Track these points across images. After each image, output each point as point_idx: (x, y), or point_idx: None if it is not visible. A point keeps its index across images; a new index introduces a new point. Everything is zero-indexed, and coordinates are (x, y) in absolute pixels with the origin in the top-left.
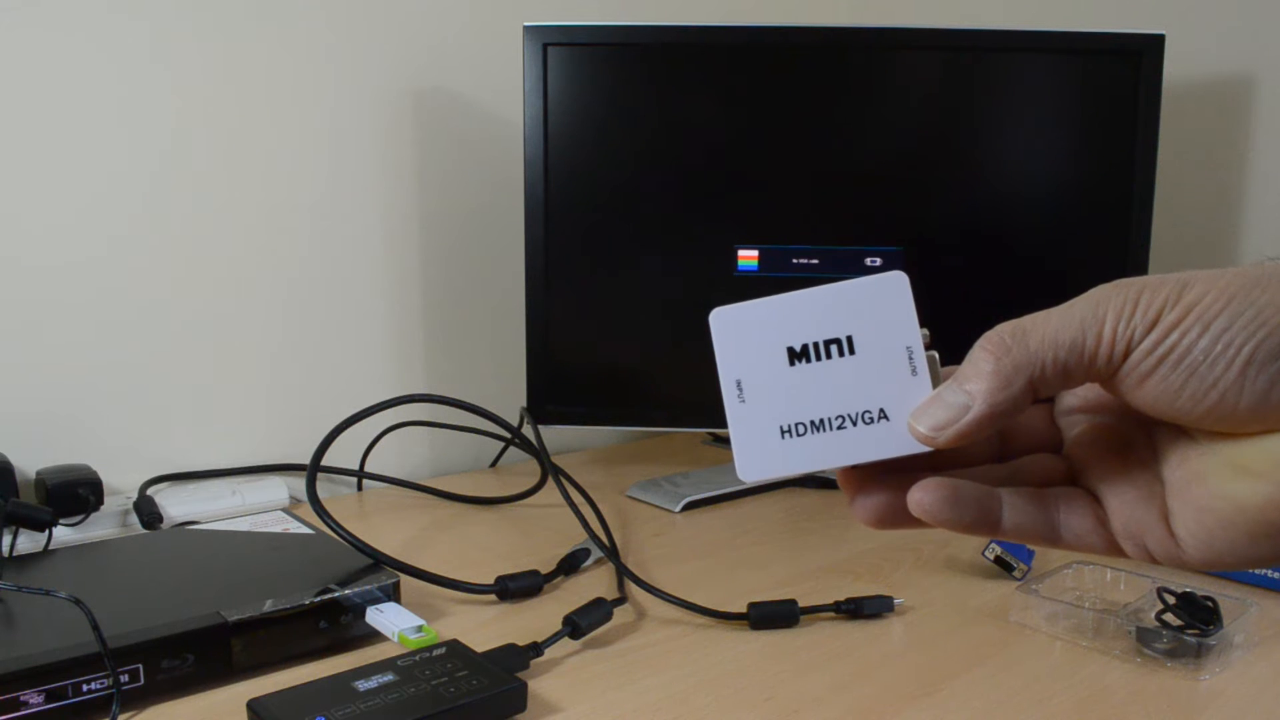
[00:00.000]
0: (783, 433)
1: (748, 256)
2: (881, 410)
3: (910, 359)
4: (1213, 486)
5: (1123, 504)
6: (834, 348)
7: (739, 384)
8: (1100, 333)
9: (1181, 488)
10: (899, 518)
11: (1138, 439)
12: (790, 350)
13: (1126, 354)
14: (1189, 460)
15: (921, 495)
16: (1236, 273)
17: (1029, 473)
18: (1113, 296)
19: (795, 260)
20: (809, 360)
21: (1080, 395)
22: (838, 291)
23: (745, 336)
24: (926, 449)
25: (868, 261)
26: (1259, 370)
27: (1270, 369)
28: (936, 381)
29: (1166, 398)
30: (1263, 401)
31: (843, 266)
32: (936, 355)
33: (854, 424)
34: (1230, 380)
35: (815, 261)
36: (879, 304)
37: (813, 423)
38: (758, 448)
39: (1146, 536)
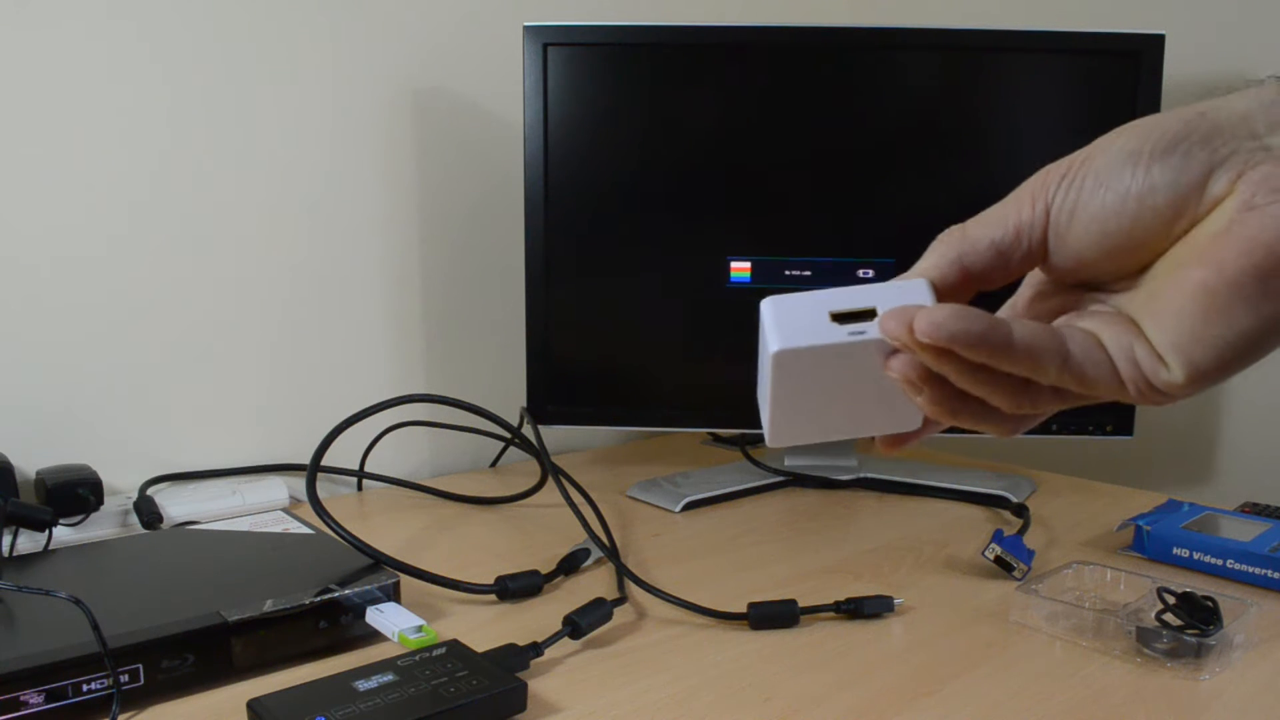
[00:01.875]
0: (832, 317)
1: (740, 269)
2: None
3: None
4: (1166, 292)
5: (1111, 335)
6: (866, 316)
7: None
8: (1021, 205)
9: (1144, 310)
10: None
11: (1101, 308)
12: (832, 314)
13: (1047, 213)
14: (1140, 291)
15: (929, 315)
16: (1135, 120)
17: None
18: (1029, 180)
19: (788, 272)
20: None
21: (1032, 300)
22: (870, 288)
23: (793, 310)
24: None
25: (860, 274)
26: (1161, 162)
27: (1171, 160)
28: None
29: (1097, 226)
30: (1174, 188)
31: (835, 279)
32: None
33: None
34: (1140, 181)
35: (808, 274)
36: (905, 294)
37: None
38: (800, 324)
39: (1137, 351)
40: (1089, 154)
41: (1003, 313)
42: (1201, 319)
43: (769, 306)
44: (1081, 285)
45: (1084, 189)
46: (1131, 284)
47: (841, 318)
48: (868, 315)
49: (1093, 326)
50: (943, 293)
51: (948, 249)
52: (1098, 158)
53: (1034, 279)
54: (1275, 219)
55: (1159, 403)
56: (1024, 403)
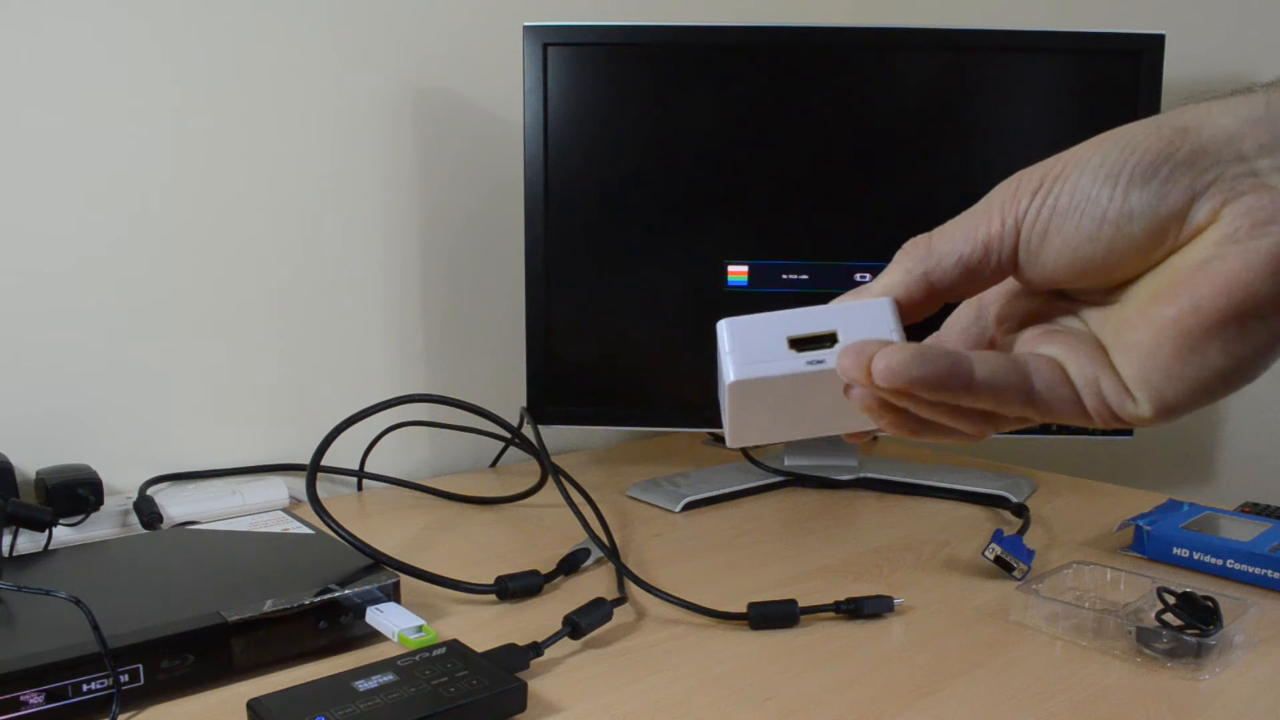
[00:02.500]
0: (791, 343)
1: (737, 272)
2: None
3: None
4: (1138, 326)
5: (1076, 365)
6: (825, 341)
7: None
8: (989, 218)
9: (1115, 340)
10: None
11: (1071, 324)
12: (790, 339)
13: (1017, 230)
14: (1113, 316)
15: (887, 358)
16: (1110, 131)
17: None
18: (999, 189)
19: (785, 276)
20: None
21: (1002, 300)
22: (831, 310)
23: (750, 333)
24: None
25: (857, 277)
26: (1141, 188)
27: (1151, 185)
28: None
29: (1069, 250)
30: (1153, 216)
31: (832, 282)
32: None
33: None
34: (1118, 206)
35: (805, 277)
36: (867, 317)
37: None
38: (757, 350)
39: (1103, 384)
40: (1063, 167)
41: (968, 310)
42: (1174, 357)
43: (726, 329)
44: (1054, 292)
45: (1056, 209)
46: (1105, 298)
47: (800, 343)
48: (828, 340)
49: (1059, 353)
50: (907, 308)
51: (913, 264)
52: (1072, 174)
53: (1005, 282)
54: (1257, 255)
55: (1123, 428)
56: (987, 429)
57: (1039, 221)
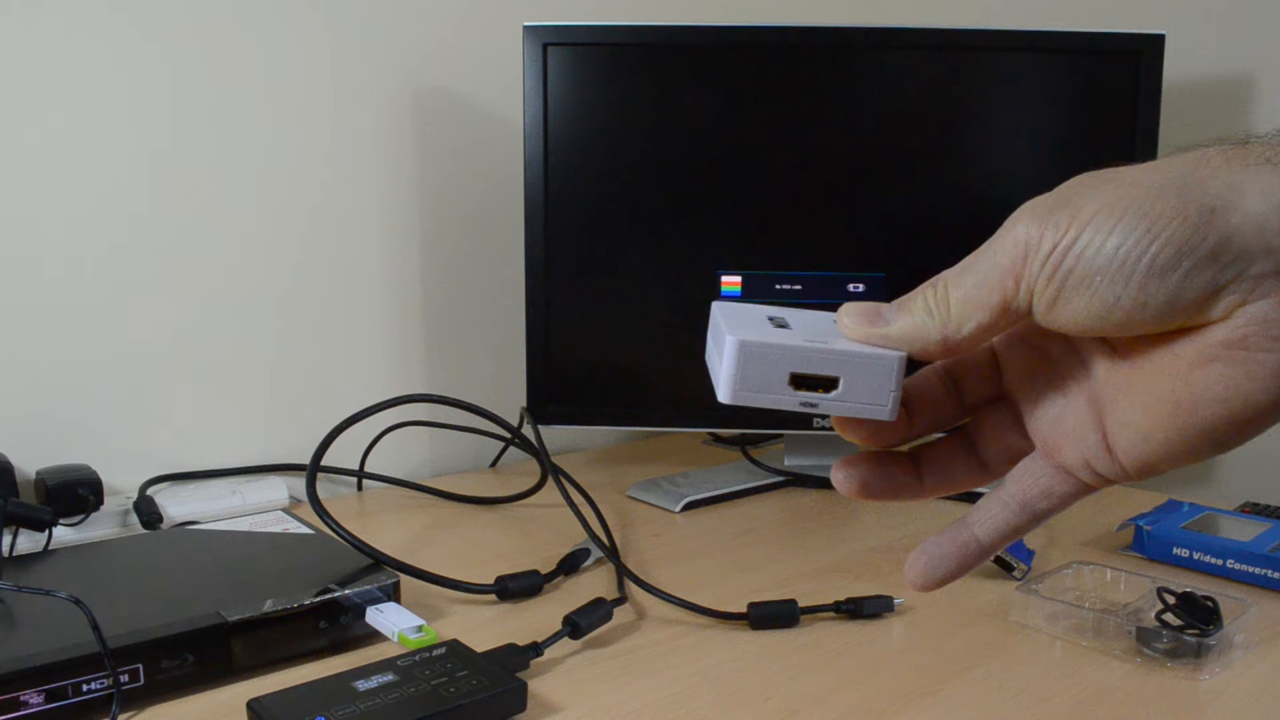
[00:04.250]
0: (792, 379)
1: (730, 283)
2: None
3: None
4: (1136, 406)
5: (1066, 436)
6: (826, 384)
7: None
8: (1004, 282)
9: (1111, 401)
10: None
11: (1069, 365)
12: (792, 375)
13: (1030, 296)
14: (1115, 374)
15: (921, 573)
16: (1133, 181)
17: (983, 426)
18: (1012, 243)
19: (778, 286)
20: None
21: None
22: (839, 352)
23: (757, 359)
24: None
25: (850, 288)
26: (1159, 281)
27: (1170, 278)
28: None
29: (1081, 322)
30: (1168, 308)
31: (825, 292)
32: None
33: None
34: (1133, 294)
35: (799, 287)
36: (875, 370)
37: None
38: (759, 378)
39: (1096, 463)
40: (1077, 235)
41: (938, 383)
42: (1164, 444)
43: (734, 349)
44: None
45: (1068, 285)
46: (1111, 351)
47: (800, 381)
48: (828, 383)
49: (1052, 434)
50: (921, 361)
51: (932, 327)
52: (1087, 250)
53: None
54: (1263, 369)
55: (1102, 484)
56: None
57: (1049, 291)
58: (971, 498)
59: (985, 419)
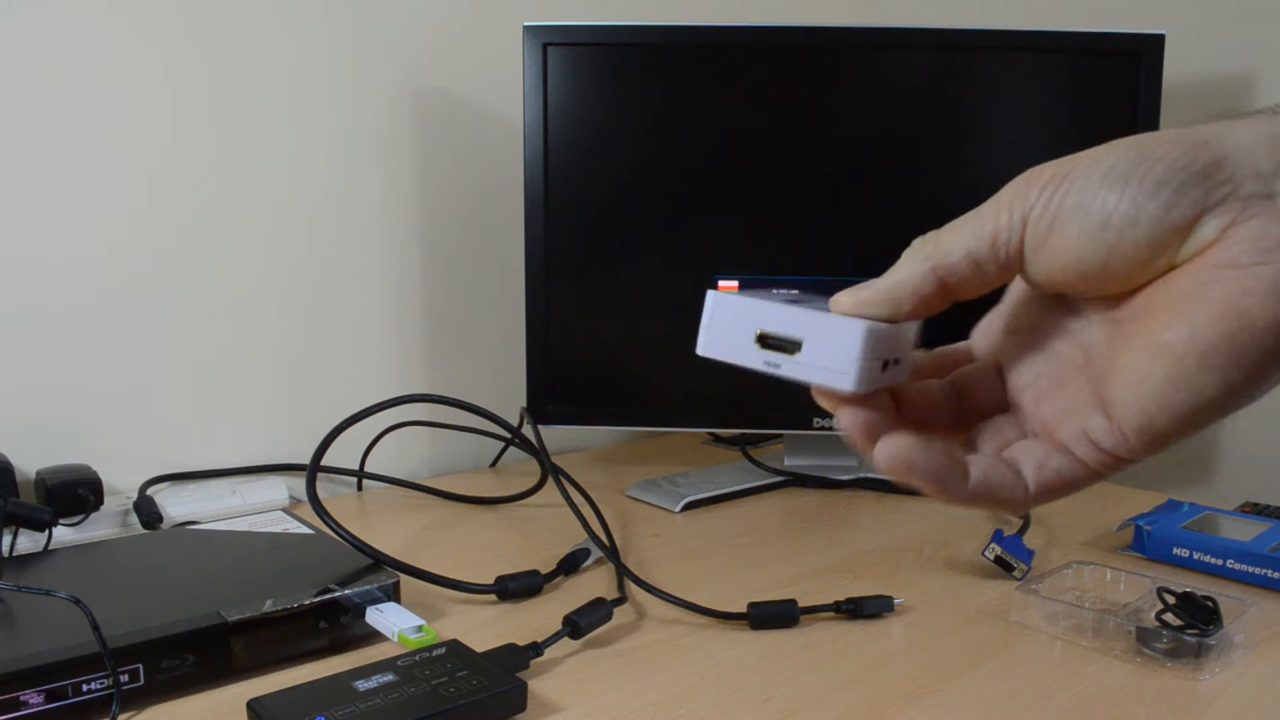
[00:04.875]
0: (758, 338)
1: (727, 288)
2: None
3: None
4: (1134, 348)
5: (1066, 413)
6: (791, 346)
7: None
8: (998, 213)
9: (1106, 365)
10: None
11: (1065, 349)
12: (759, 334)
13: (1024, 224)
14: (1115, 336)
15: (890, 446)
16: (1130, 137)
17: (986, 435)
18: (1010, 185)
19: (776, 290)
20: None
21: (1005, 318)
22: (805, 314)
23: (729, 312)
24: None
25: None
26: (1151, 195)
27: (1162, 192)
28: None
29: (1071, 250)
30: (1158, 224)
31: (824, 294)
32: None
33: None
34: (1124, 210)
35: (795, 292)
36: (838, 336)
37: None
38: (727, 332)
39: (1092, 430)
40: (1074, 165)
41: (982, 331)
42: (1167, 385)
43: (711, 302)
44: (1059, 296)
45: (1064, 207)
46: (1106, 314)
47: (767, 340)
48: (793, 345)
49: (1045, 404)
50: (917, 305)
51: (921, 260)
52: (1083, 173)
53: (1013, 294)
54: (1257, 282)
55: (1116, 470)
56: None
57: (1044, 217)
58: None
59: (986, 426)
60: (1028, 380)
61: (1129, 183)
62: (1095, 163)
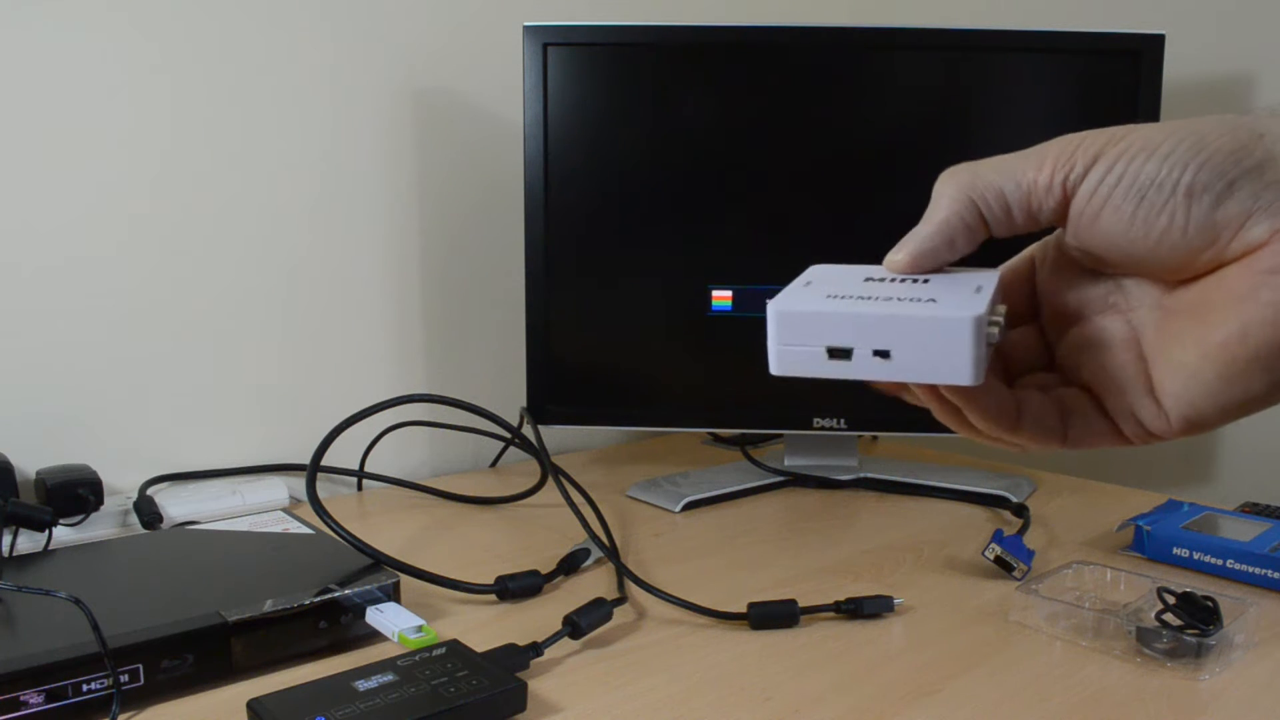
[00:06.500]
0: (828, 295)
1: (721, 297)
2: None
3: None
4: (1186, 344)
5: (1113, 384)
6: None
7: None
8: (1040, 166)
9: (1158, 353)
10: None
11: (1116, 326)
12: (829, 349)
13: (1065, 190)
14: (1166, 323)
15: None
16: (1183, 120)
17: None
18: (1056, 142)
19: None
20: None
21: (1057, 294)
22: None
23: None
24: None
25: None
26: (1203, 190)
27: (1214, 189)
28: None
29: (1120, 228)
30: (1208, 222)
31: None
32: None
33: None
34: (1178, 203)
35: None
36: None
37: (860, 296)
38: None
39: (1140, 412)
40: (1128, 144)
41: (1016, 292)
42: (1218, 380)
43: (775, 317)
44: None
45: (1118, 187)
46: (1160, 291)
47: (836, 353)
48: (882, 353)
49: (1094, 377)
50: (961, 236)
51: (959, 191)
52: (1139, 155)
53: (1048, 253)
54: None
55: (1148, 443)
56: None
57: (1096, 195)
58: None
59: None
60: (1070, 346)
61: (1186, 170)
62: (1152, 145)
